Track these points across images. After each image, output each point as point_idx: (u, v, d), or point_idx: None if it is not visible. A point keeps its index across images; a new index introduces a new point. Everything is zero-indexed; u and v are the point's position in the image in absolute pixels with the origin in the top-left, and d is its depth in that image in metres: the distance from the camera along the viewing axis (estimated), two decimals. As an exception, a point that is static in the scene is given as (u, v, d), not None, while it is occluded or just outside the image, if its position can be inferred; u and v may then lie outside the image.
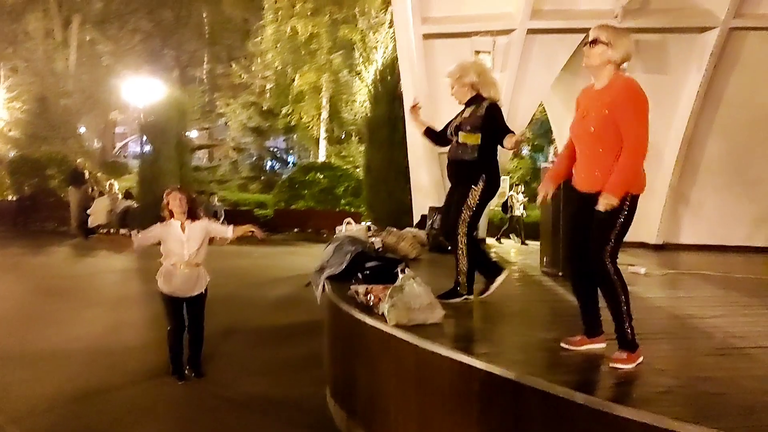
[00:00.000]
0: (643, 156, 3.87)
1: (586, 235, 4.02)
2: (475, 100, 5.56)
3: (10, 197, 22.46)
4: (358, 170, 23.22)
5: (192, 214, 6.30)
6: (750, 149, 9.64)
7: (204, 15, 37.51)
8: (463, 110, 5.63)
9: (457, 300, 5.53)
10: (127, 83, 28.58)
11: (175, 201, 6.23)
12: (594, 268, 3.94)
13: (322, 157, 26.99)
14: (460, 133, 5.51)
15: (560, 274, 7.11)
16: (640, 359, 3.85)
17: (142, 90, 24.90)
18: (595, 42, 3.93)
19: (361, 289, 5.29)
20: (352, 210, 21.29)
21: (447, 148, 5.92)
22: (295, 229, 21.62)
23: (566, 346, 4.16)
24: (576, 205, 4.13)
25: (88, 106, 34.67)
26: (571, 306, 5.82)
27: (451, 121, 5.72)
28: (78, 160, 20.59)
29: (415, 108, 6.01)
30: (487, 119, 5.43)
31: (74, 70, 34.12)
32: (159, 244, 6.40)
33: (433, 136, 5.92)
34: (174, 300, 6.30)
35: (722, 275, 7.48)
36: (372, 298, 5.07)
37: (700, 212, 9.93)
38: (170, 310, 6.35)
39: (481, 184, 5.46)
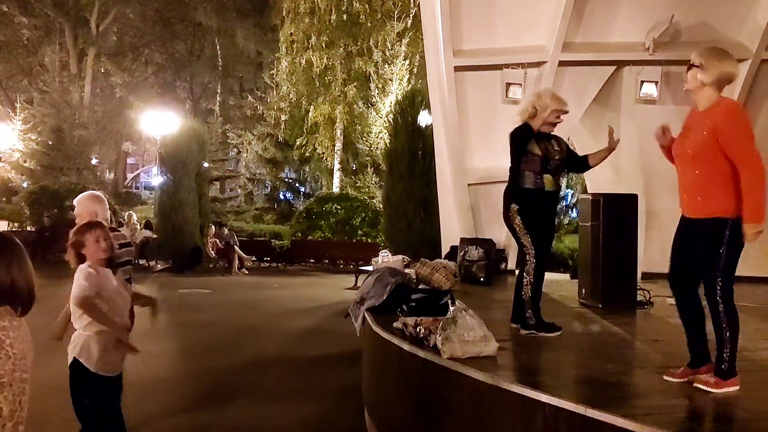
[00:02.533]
0: (764, 172, 3.79)
1: (691, 260, 4.02)
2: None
3: (29, 228, 22.55)
4: (374, 201, 23.26)
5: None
6: (781, 180, 9.62)
7: (217, 48, 37.96)
8: (548, 141, 5.54)
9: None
10: (145, 115, 28.90)
11: (96, 243, 4.15)
12: (707, 300, 3.89)
13: (336, 188, 27.09)
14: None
15: (600, 306, 7.07)
16: (730, 389, 3.80)
17: (159, 122, 25.17)
18: (691, 66, 3.95)
19: (410, 321, 5.25)
20: (369, 241, 21.30)
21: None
22: (311, 260, 21.63)
23: (669, 379, 4.07)
24: (683, 231, 4.08)
25: (102, 137, 34.99)
26: (620, 338, 5.84)
27: (547, 153, 5.50)
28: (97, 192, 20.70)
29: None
30: (569, 152, 5.66)
31: (89, 102, 34.51)
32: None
33: None
34: (106, 381, 4.24)
35: (759, 307, 7.44)
36: (422, 330, 5.04)
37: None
38: (101, 397, 4.23)
39: None
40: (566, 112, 5.56)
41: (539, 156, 5.43)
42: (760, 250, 9.64)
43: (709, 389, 3.79)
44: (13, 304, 2.41)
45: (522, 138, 5.44)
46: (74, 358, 4.13)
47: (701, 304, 4.04)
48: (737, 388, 3.82)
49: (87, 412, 4.20)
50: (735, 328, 3.85)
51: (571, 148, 5.89)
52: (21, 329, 2.43)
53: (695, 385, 3.83)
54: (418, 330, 5.08)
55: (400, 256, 7.98)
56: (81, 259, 4.16)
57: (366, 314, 6.35)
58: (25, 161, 30.13)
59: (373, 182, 25.44)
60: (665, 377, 4.10)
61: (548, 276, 5.97)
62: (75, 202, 5.40)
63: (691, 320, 4.10)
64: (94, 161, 35.90)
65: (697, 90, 3.95)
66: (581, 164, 5.60)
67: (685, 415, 3.60)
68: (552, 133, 5.57)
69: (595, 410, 3.49)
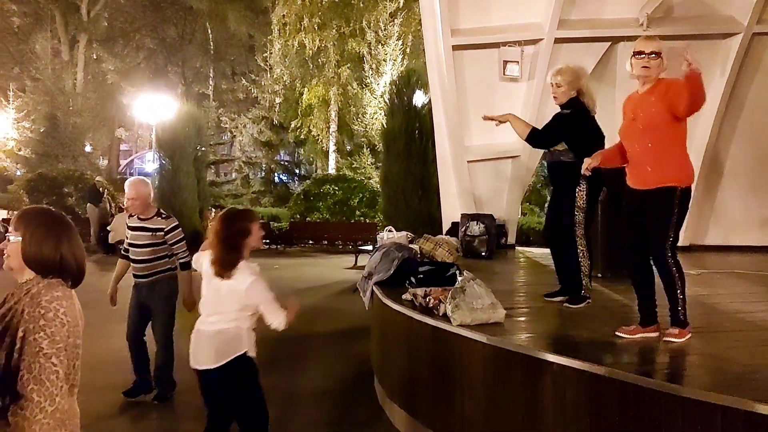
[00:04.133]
0: (701, 98, 4.10)
1: (643, 231, 4.37)
2: (572, 103, 5.64)
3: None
4: (371, 181, 23.39)
5: None
6: (773, 151, 9.84)
7: (209, 31, 37.87)
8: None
9: (583, 305, 5.65)
10: (138, 101, 28.89)
11: (259, 231, 4.24)
12: (656, 261, 4.29)
13: (332, 170, 27.19)
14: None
15: (599, 275, 7.28)
16: (689, 335, 4.23)
17: (152, 107, 25.19)
18: (658, 54, 4.28)
19: (420, 291, 5.45)
20: (367, 221, 21.46)
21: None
22: (310, 241, 21.77)
23: (621, 335, 4.43)
24: (633, 204, 4.45)
25: (95, 124, 34.97)
26: (620, 303, 6.07)
27: None
28: (97, 178, 20.83)
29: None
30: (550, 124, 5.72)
31: (81, 89, 34.44)
32: None
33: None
34: None
35: (754, 273, 7.66)
36: (431, 300, 5.25)
37: (725, 214, 10.12)
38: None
39: (584, 184, 5.57)
40: (557, 85, 5.66)
41: None
42: (750, 221, 9.94)
43: (675, 339, 4.20)
44: (63, 277, 2.58)
45: None
46: (245, 353, 4.14)
47: (653, 270, 4.44)
48: (690, 334, 4.25)
49: (259, 402, 4.29)
50: (684, 283, 4.27)
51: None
52: (72, 299, 2.59)
53: (664, 339, 4.24)
54: (427, 300, 5.29)
55: (404, 232, 8.15)
56: (240, 246, 4.10)
57: (374, 288, 6.55)
58: (19, 149, 30.16)
59: (369, 163, 25.53)
60: (617, 333, 4.46)
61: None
62: (128, 186, 6.02)
63: (648, 285, 4.47)
64: (87, 148, 35.89)
65: (657, 77, 4.32)
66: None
67: (684, 370, 3.84)
68: (589, 106, 5.73)
69: (600, 367, 3.72)
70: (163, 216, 6.11)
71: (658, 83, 4.33)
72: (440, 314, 5.02)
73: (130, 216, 6.17)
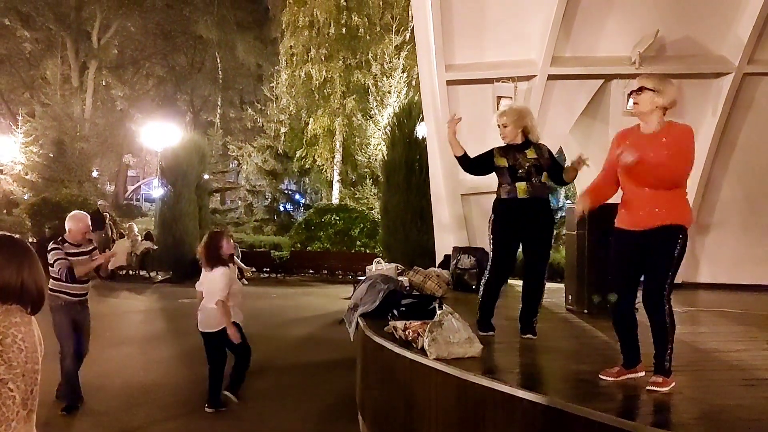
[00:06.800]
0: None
1: (639, 273, 4.28)
2: (529, 141, 5.78)
3: (30, 239, 22.71)
4: (373, 212, 23.45)
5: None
6: (764, 191, 9.85)
7: (218, 60, 38.31)
8: (521, 151, 5.73)
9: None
10: (146, 127, 29.17)
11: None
12: (650, 304, 4.15)
13: (335, 200, 27.28)
14: (544, 173, 5.77)
15: (585, 311, 7.29)
16: (673, 384, 4.09)
17: (160, 134, 25.41)
18: (641, 90, 4.20)
19: (400, 324, 5.48)
20: (368, 251, 21.46)
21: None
22: (311, 271, 21.80)
23: (604, 378, 4.35)
24: (630, 244, 4.29)
25: (103, 150, 35.21)
26: (601, 340, 6.07)
27: (512, 161, 5.75)
28: (99, 203, 20.91)
29: (453, 122, 6.05)
30: (553, 160, 5.80)
31: (90, 115, 34.76)
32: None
33: (470, 162, 6.03)
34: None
35: (740, 312, 7.64)
36: (410, 333, 5.27)
37: (717, 252, 10.12)
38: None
39: (492, 217, 5.87)
40: (503, 125, 5.79)
41: (506, 167, 5.74)
42: (741, 259, 9.95)
43: (659, 389, 4.04)
44: (23, 303, 2.61)
45: (477, 157, 6.00)
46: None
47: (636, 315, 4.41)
48: (674, 384, 4.10)
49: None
50: (674, 328, 4.15)
51: (558, 157, 6.17)
52: (31, 325, 2.62)
53: (647, 388, 4.06)
54: (407, 333, 5.31)
55: (393, 264, 8.21)
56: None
57: (359, 319, 6.57)
58: (26, 173, 30.38)
59: (372, 193, 25.62)
60: (600, 376, 4.37)
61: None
62: (81, 220, 6.87)
63: (631, 327, 4.41)
64: (94, 173, 36.11)
65: (650, 113, 4.21)
66: (560, 176, 5.80)
67: (652, 408, 3.83)
68: (537, 141, 5.83)
69: (569, 404, 3.74)
70: (90, 240, 7.21)
71: (672, 126, 4.20)
72: (418, 347, 5.03)
73: (66, 243, 6.79)
